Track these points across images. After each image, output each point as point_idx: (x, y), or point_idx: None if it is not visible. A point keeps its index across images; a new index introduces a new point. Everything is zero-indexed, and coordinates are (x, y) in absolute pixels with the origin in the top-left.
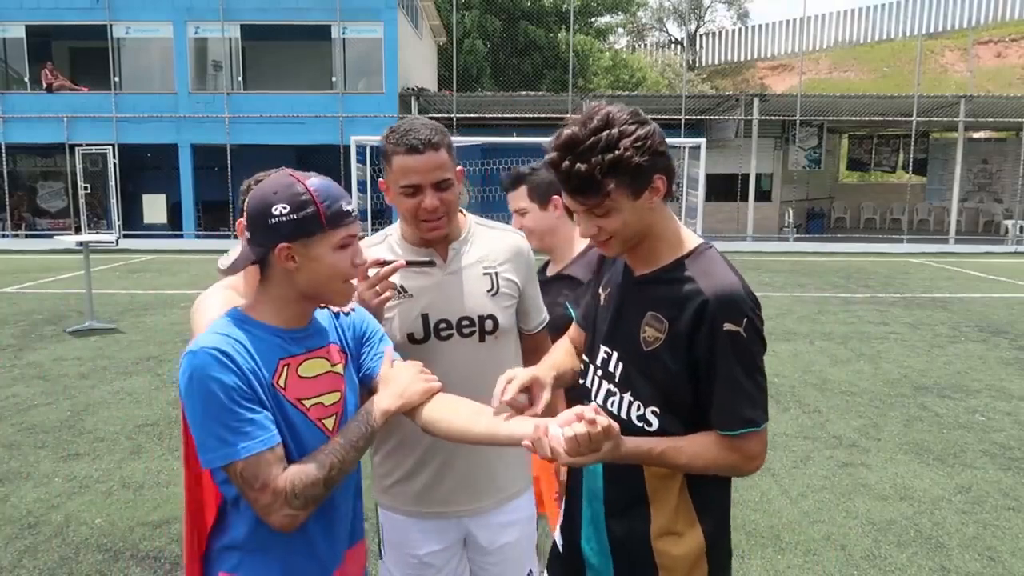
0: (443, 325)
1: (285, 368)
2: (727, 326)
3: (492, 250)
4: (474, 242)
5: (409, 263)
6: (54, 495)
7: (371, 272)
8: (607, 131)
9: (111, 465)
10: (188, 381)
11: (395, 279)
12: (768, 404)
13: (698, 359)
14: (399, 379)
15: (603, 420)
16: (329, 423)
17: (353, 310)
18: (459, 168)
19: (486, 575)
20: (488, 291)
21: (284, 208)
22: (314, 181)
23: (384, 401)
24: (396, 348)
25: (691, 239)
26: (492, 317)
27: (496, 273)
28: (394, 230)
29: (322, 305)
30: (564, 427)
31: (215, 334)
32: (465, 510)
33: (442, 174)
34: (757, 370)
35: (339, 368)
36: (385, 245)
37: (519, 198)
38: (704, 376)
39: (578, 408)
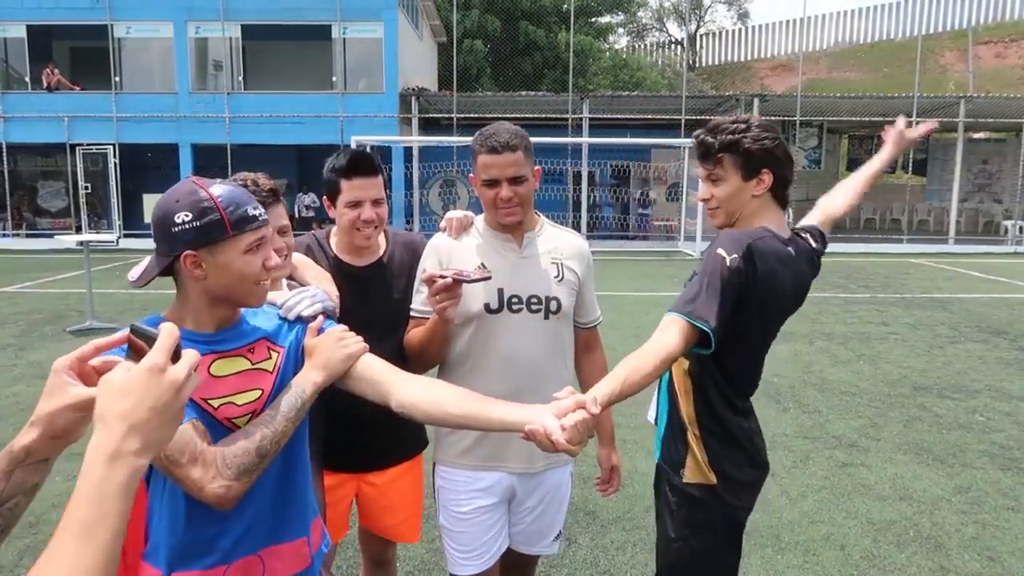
0: (515, 300)
1: None
2: (719, 249)
3: (560, 245)
4: (545, 236)
5: (455, 279)
6: (54, 494)
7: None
8: (738, 124)
9: None
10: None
11: (476, 258)
12: (706, 313)
13: None
14: (320, 350)
15: (595, 410)
16: (241, 423)
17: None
18: (536, 168)
19: (520, 534)
20: (555, 277)
21: (186, 216)
22: (217, 188)
23: (310, 374)
24: (472, 317)
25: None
26: (556, 299)
27: (562, 263)
28: (480, 218)
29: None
30: (563, 418)
31: None
32: (512, 468)
33: (516, 171)
34: (708, 284)
35: (266, 364)
36: (473, 230)
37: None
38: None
39: (578, 397)
